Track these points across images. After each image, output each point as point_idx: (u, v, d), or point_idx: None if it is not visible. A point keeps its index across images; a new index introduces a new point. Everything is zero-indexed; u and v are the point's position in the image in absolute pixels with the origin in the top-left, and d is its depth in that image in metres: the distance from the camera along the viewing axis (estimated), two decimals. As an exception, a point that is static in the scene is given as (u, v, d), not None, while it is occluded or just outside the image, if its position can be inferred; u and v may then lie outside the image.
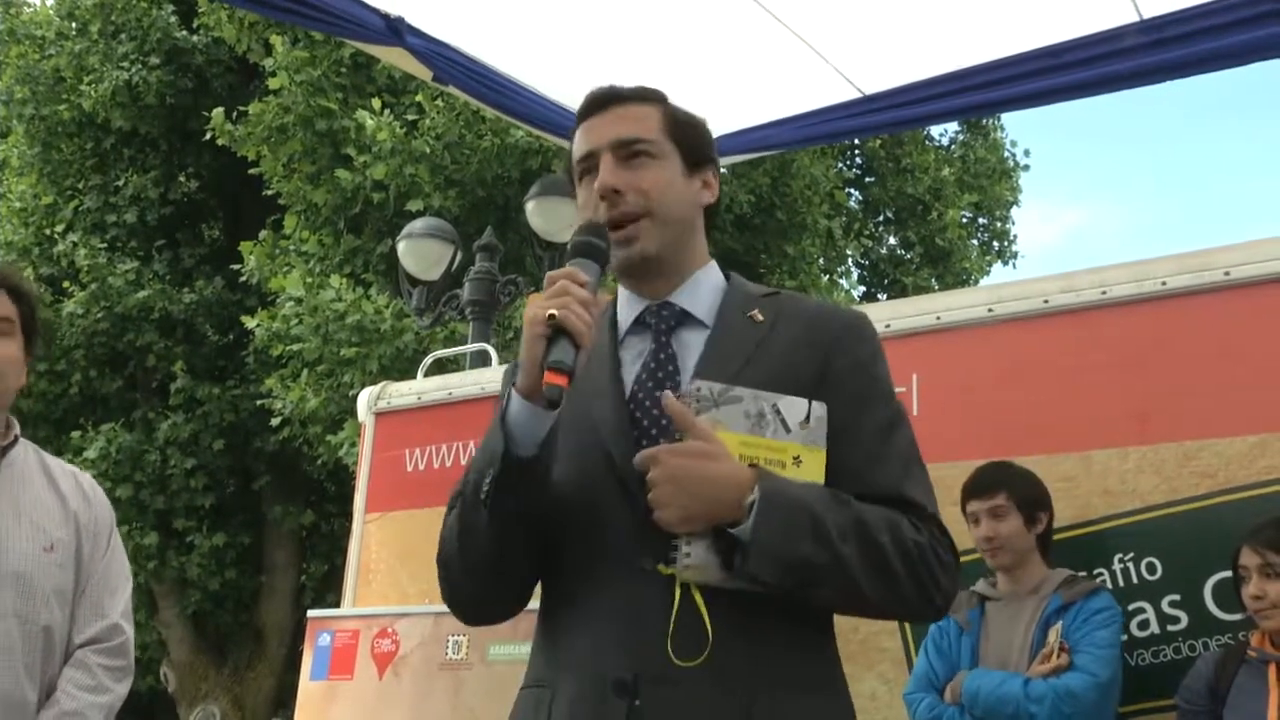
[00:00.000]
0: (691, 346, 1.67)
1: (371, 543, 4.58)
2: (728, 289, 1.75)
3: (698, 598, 1.51)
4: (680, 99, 4.18)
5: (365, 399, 4.76)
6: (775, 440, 1.54)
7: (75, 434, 12.77)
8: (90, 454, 12.37)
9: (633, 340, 1.69)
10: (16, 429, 2.40)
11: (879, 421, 1.65)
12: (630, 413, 1.62)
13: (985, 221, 16.34)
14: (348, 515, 4.81)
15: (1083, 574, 3.14)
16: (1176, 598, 3.06)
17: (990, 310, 3.54)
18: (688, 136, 1.77)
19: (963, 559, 3.32)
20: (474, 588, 1.63)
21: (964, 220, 15.57)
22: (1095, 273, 3.42)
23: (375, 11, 3.78)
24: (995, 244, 16.48)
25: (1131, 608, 3.11)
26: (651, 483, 1.49)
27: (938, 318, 3.62)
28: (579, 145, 1.74)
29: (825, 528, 1.49)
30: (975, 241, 16.01)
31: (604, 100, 1.76)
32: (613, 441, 1.59)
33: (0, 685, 2.17)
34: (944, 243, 14.60)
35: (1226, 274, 3.20)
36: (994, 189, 15.68)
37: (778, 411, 1.55)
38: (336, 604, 4.84)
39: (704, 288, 1.74)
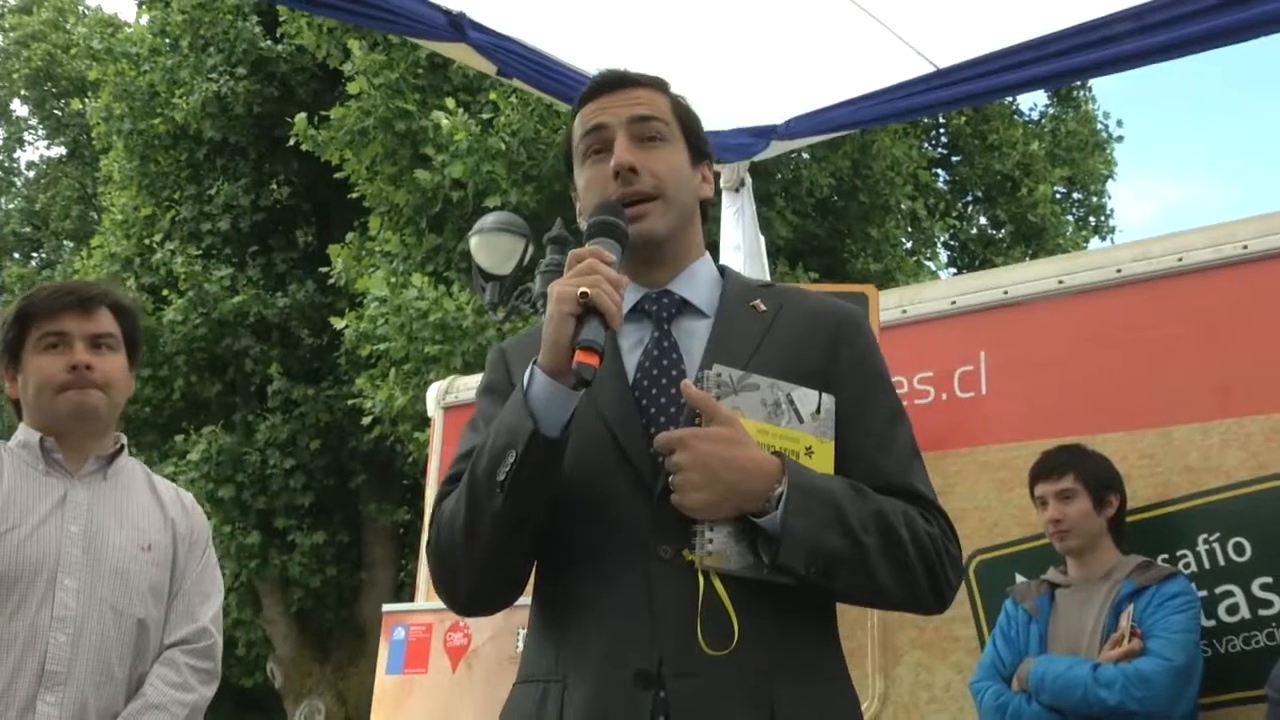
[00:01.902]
0: (694, 335, 1.64)
1: (443, 538, 4.59)
2: (725, 280, 1.73)
3: (719, 586, 1.47)
4: (750, 82, 4.10)
5: (434, 393, 4.78)
6: (790, 430, 1.52)
7: (179, 438, 13.13)
8: (193, 456, 12.73)
9: (629, 328, 1.64)
10: (123, 441, 2.51)
11: (886, 412, 1.65)
12: (636, 400, 1.57)
13: (1079, 196, 15.86)
14: (432, 512, 4.82)
15: (1163, 557, 2.99)
16: (1269, 580, 2.90)
17: (1060, 282, 3.40)
18: (693, 127, 1.75)
19: (1030, 544, 3.25)
20: (475, 578, 1.56)
21: (1057, 196, 15.12)
22: (1171, 239, 3.26)
23: (437, 8, 3.78)
24: (1091, 219, 15.99)
25: (1219, 591, 2.95)
26: (676, 467, 1.45)
27: (1005, 291, 3.49)
28: (589, 119, 1.69)
29: (850, 519, 1.48)
30: (1070, 217, 15.54)
31: (616, 81, 1.72)
32: (621, 430, 1.54)
33: (92, 666, 2.27)
34: (1036, 219, 14.19)
35: (1312, 235, 3.02)
36: (1086, 162, 15.18)
37: (791, 401, 1.53)
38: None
39: (701, 278, 1.71)
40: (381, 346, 10.43)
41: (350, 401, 11.69)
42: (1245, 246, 3.11)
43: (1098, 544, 2.93)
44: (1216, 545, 3.00)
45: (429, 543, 1.61)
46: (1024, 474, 3.14)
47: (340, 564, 13.60)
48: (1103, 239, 16.01)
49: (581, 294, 1.43)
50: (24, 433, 2.42)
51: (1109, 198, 16.17)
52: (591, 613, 1.51)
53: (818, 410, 1.54)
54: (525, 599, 1.65)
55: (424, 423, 10.44)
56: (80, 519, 2.35)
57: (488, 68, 4.07)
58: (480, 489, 1.49)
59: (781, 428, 1.51)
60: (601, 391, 1.54)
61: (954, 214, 14.72)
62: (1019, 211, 14.35)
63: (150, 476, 2.56)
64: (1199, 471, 3.06)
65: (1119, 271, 3.30)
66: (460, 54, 3.99)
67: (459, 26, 3.85)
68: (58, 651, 2.23)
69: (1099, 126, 15.61)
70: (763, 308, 1.66)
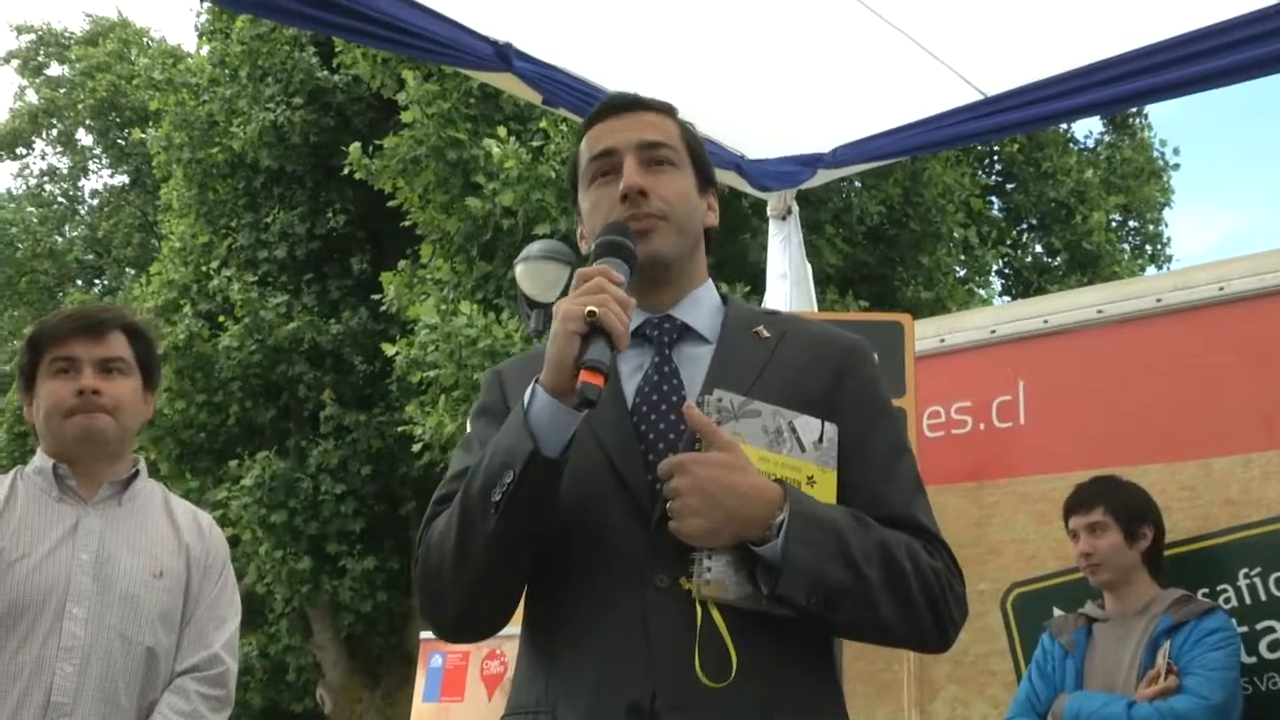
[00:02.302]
0: (695, 361, 1.62)
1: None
2: (728, 307, 1.71)
3: (717, 616, 1.44)
4: (797, 110, 4.09)
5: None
6: (791, 458, 1.50)
7: (233, 463, 13.30)
8: (246, 481, 12.88)
9: (629, 353, 1.61)
10: (140, 465, 2.52)
11: (890, 443, 1.62)
12: (634, 425, 1.55)
13: (1135, 224, 15.65)
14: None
15: (1203, 591, 2.93)
16: (1310, 616, 2.83)
17: (1100, 311, 3.37)
18: (700, 154, 1.74)
19: (1067, 577, 3.20)
20: (464, 603, 1.53)
21: (1113, 223, 14.93)
22: (1212, 268, 3.22)
23: (483, 39, 3.83)
24: (1147, 247, 15.76)
25: (1260, 626, 2.89)
26: (675, 492, 1.43)
27: (1045, 320, 3.46)
28: (596, 142, 1.68)
29: (852, 550, 1.45)
30: (1126, 245, 15.33)
31: (624, 105, 1.72)
32: (619, 455, 1.52)
33: (99, 697, 2.26)
34: (1091, 247, 14.01)
35: (1357, 263, 2.96)
36: (1142, 190, 14.98)
37: (794, 429, 1.50)
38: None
39: (704, 304, 1.69)
40: (431, 373, 10.52)
41: (401, 428, 11.78)
42: (1288, 275, 3.06)
43: (1132, 577, 2.88)
44: (1258, 580, 2.93)
45: (416, 564, 1.58)
46: (1062, 506, 3.09)
47: (390, 590, 13.65)
48: (1159, 267, 15.79)
49: (589, 313, 1.40)
50: (39, 459, 2.43)
51: (1165, 226, 15.94)
52: (584, 642, 1.49)
53: (820, 439, 1.51)
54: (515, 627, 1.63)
55: (472, 449, 10.50)
56: (92, 547, 2.34)
57: (534, 97, 4.11)
58: (474, 509, 1.46)
59: (783, 456, 1.48)
60: (600, 416, 1.51)
61: (1008, 241, 14.58)
62: (1074, 239, 14.18)
63: (168, 499, 2.55)
64: (1240, 504, 3.00)
65: (1159, 301, 3.26)
66: (507, 84, 4.03)
67: (505, 57, 3.89)
68: (64, 683, 2.22)
69: (1155, 154, 15.41)
70: (765, 334, 1.64)
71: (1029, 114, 4.38)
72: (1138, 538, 2.87)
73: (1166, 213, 15.79)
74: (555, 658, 1.51)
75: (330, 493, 13.01)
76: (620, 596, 1.47)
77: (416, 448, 11.23)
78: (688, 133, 1.73)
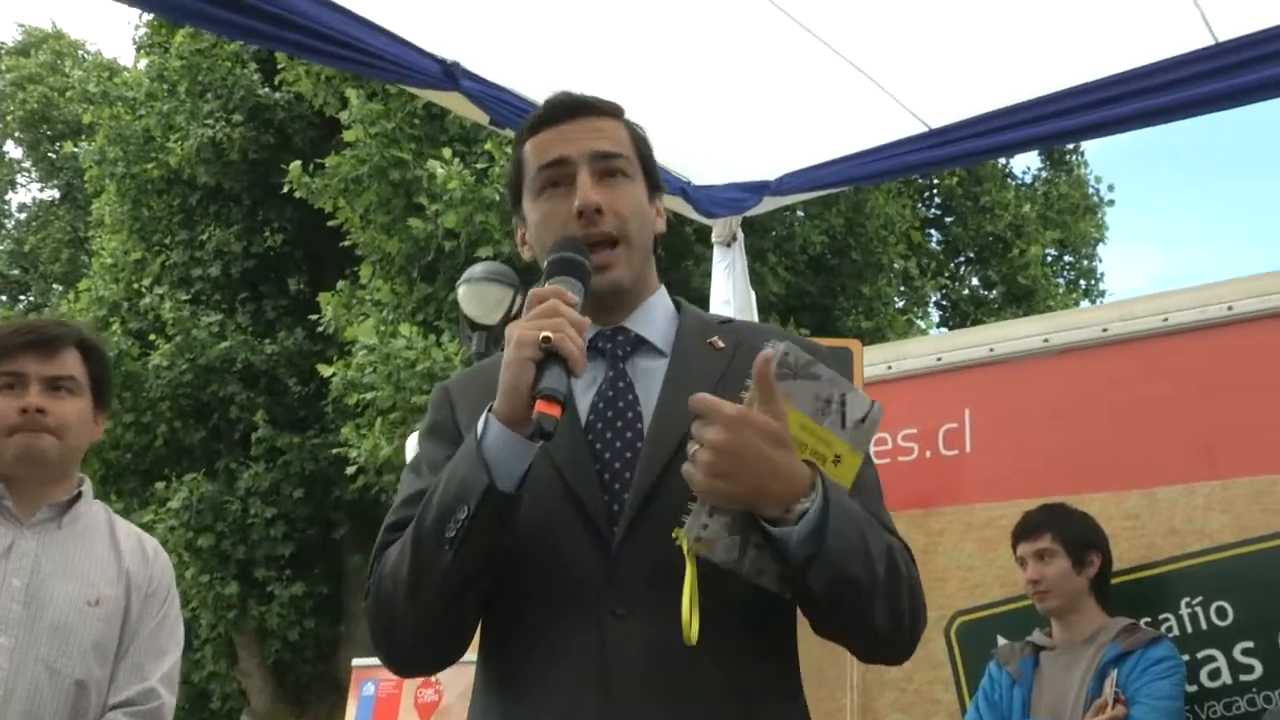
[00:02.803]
0: (650, 374, 1.55)
1: (418, 589, 4.51)
2: (681, 316, 1.65)
3: (691, 573, 1.35)
4: (744, 138, 4.09)
5: (414, 442, 4.71)
6: (829, 432, 1.40)
7: (160, 484, 13.00)
8: (173, 504, 12.60)
9: None
10: (84, 486, 2.40)
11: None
12: (589, 444, 1.48)
13: (1070, 259, 15.94)
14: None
15: (1145, 620, 2.93)
16: (1250, 645, 2.85)
17: (1046, 341, 3.38)
18: (650, 159, 1.67)
19: (1012, 605, 3.19)
20: (416, 636, 1.45)
21: (1048, 258, 15.20)
22: (1155, 299, 3.25)
23: (431, 57, 3.78)
24: (1081, 282, 16.06)
25: (1200, 655, 2.90)
26: (711, 445, 1.31)
27: (991, 349, 3.46)
28: (546, 149, 1.58)
29: (871, 549, 1.38)
30: (1061, 280, 15.61)
31: (575, 107, 1.62)
32: (573, 474, 1.46)
33: None
34: (1027, 280, 14.25)
35: (1297, 297, 3.00)
36: (1078, 225, 15.28)
37: (843, 403, 1.40)
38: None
39: (657, 314, 1.62)
40: (368, 395, 10.38)
41: (335, 451, 11.60)
42: (1230, 308, 3.10)
43: (1080, 605, 2.87)
44: (1199, 609, 2.95)
45: (367, 595, 1.50)
46: (1008, 533, 3.09)
47: (319, 616, 13.40)
48: (1092, 302, 16.06)
49: (544, 338, 1.33)
50: None
51: (1099, 261, 16.27)
52: (540, 674, 1.42)
53: (863, 419, 1.42)
54: (472, 655, 1.57)
55: (409, 473, 10.37)
56: (24, 572, 2.22)
57: (481, 117, 4.06)
58: (427, 543, 1.38)
59: (823, 428, 1.40)
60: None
61: (946, 274, 14.77)
62: (1010, 273, 14.41)
63: (113, 523, 2.43)
64: (1183, 534, 3.02)
65: (1104, 331, 3.28)
66: (454, 103, 3.97)
67: (452, 76, 3.84)
68: None
69: (1090, 190, 15.73)
70: (720, 345, 1.58)
71: (973, 146, 4.42)
72: (1085, 565, 2.87)
73: (1101, 249, 16.11)
74: (512, 692, 1.45)
75: (260, 516, 12.77)
76: (577, 627, 1.41)
77: (351, 471, 11.07)
78: (638, 137, 1.66)
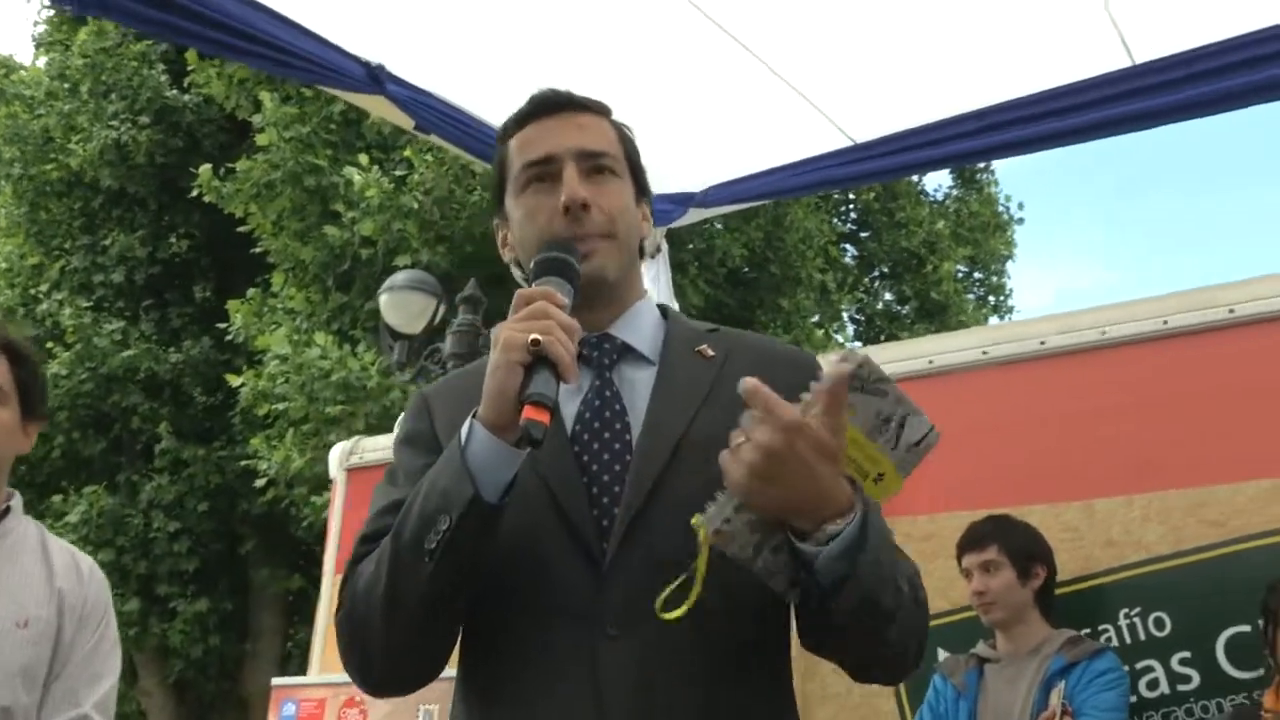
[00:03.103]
0: (637, 383, 1.49)
1: (341, 605, 4.37)
2: (668, 323, 1.59)
3: (702, 562, 1.29)
4: (669, 149, 4.08)
5: (337, 454, 4.58)
6: (880, 451, 1.35)
7: (57, 498, 12.54)
8: (72, 518, 12.15)
9: None
10: (14, 501, 2.25)
11: None
12: (576, 455, 1.43)
13: (981, 276, 16.26)
14: (331, 578, 4.62)
15: (1085, 631, 2.95)
16: (1187, 655, 2.87)
17: (984, 353, 3.38)
18: (636, 160, 1.63)
19: (952, 617, 3.19)
20: (394, 654, 1.38)
21: (959, 274, 15.48)
22: (1093, 313, 3.27)
23: (356, 59, 3.69)
24: (991, 298, 16.39)
25: (1139, 666, 2.91)
26: (758, 445, 1.24)
27: (930, 361, 3.46)
28: (531, 145, 1.54)
29: (898, 574, 1.34)
30: (971, 296, 15.91)
31: (560, 103, 1.58)
32: (560, 488, 1.39)
33: None
34: (939, 296, 14.49)
35: (1231, 311, 3.05)
36: (988, 243, 15.61)
37: (902, 424, 1.35)
38: (325, 671, 4.62)
39: (644, 320, 1.57)
40: (280, 406, 10.13)
41: (244, 463, 11.30)
42: (1165, 322, 3.13)
43: (1025, 617, 2.88)
44: (1138, 620, 2.97)
45: (340, 611, 1.42)
46: (948, 544, 3.08)
47: (224, 633, 13.01)
48: (1001, 318, 16.41)
49: (533, 341, 1.27)
50: None
51: (1009, 278, 16.63)
52: (529, 693, 1.35)
53: (918, 443, 1.36)
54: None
55: (322, 486, 10.13)
56: None
57: (405, 122, 3.97)
58: (405, 555, 1.32)
59: (876, 445, 1.34)
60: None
61: (861, 289, 14.96)
62: (923, 288, 14.64)
63: (45, 539, 2.28)
64: (1121, 545, 3.03)
65: (1042, 344, 3.29)
66: (378, 107, 3.88)
67: (377, 79, 3.76)
68: None
69: (1000, 208, 16.07)
70: (710, 354, 1.52)
71: (898, 161, 4.45)
72: (1031, 577, 2.88)
73: (1010, 265, 16.46)
74: (500, 710, 1.38)
75: (163, 530, 12.39)
76: (566, 647, 1.34)
77: (260, 483, 10.80)
78: (624, 137, 1.62)
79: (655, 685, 1.32)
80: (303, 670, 12.76)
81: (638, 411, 1.46)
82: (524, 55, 3.89)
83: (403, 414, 1.60)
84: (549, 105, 1.57)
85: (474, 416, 1.32)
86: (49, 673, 2.15)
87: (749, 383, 1.27)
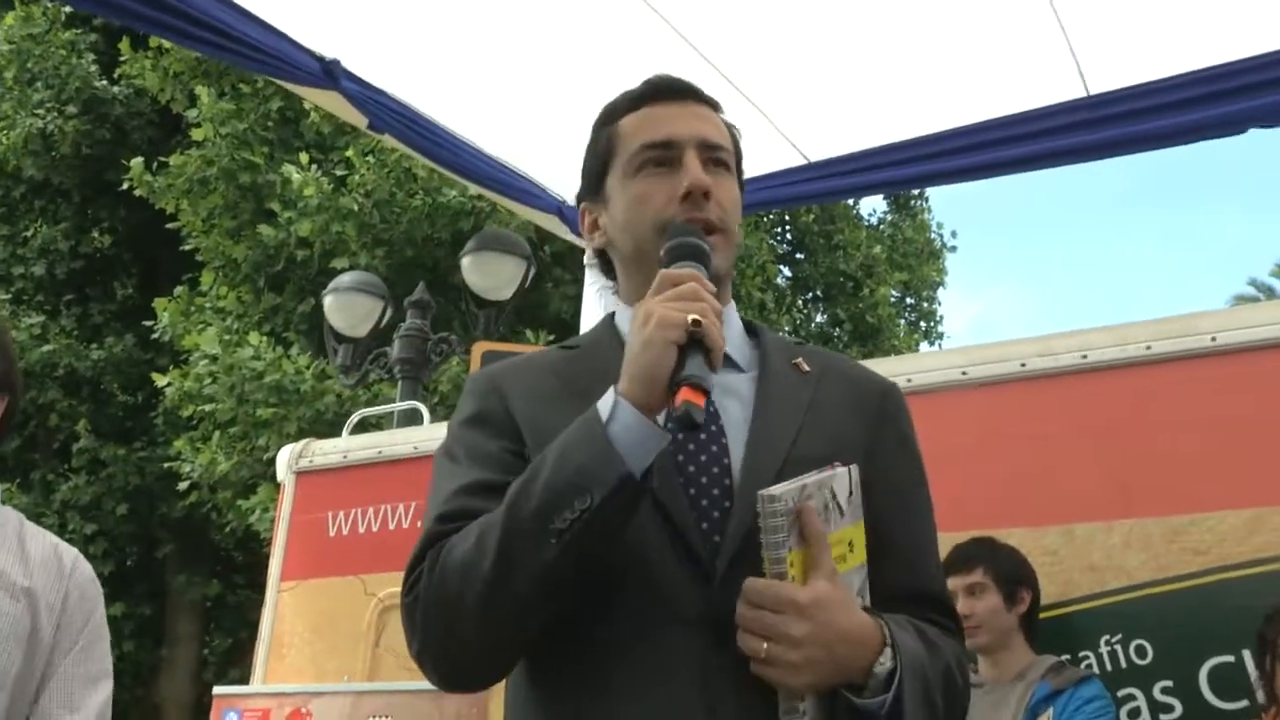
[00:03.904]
0: (729, 391, 1.43)
1: (286, 613, 4.22)
2: (763, 333, 1.55)
3: None
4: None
5: (285, 457, 4.43)
6: (837, 532, 1.32)
7: (-34, 495, 12.10)
8: (-18, 516, 11.68)
9: None
10: None
11: (926, 508, 1.52)
12: (673, 455, 1.34)
13: (913, 301, 16.44)
14: (256, 586, 4.48)
15: (1065, 657, 2.92)
16: (1169, 684, 2.85)
17: (964, 373, 3.36)
18: (741, 162, 1.58)
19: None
20: (483, 642, 1.28)
21: (893, 299, 15.64)
22: (1075, 336, 3.26)
23: (309, 53, 3.58)
24: (922, 323, 16.58)
25: (1121, 694, 2.89)
26: (794, 640, 1.22)
27: (909, 380, 3.41)
28: (653, 127, 1.48)
29: (933, 691, 1.31)
30: (903, 321, 16.08)
31: (682, 91, 1.53)
32: (663, 493, 1.31)
33: None
34: (874, 320, 14.62)
35: (1213, 339, 3.05)
36: (922, 269, 15.79)
37: (834, 495, 1.32)
38: (241, 680, 4.46)
39: (734, 326, 1.52)
40: (207, 407, 9.86)
41: (166, 465, 10.98)
42: (1149, 347, 3.13)
43: (1010, 642, 2.84)
44: (1119, 647, 2.94)
45: (415, 591, 1.31)
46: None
47: (140, 639, 12.67)
48: (931, 344, 16.62)
49: (693, 322, 1.21)
50: None
51: (939, 304, 16.84)
52: (636, 696, 1.27)
53: (850, 492, 1.35)
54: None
55: (247, 490, 9.87)
56: None
57: (359, 120, 3.87)
58: (524, 535, 1.23)
59: (832, 532, 1.30)
60: None
61: (794, 309, 15.03)
62: (858, 311, 14.75)
63: (22, 530, 2.11)
64: (1102, 571, 3.01)
65: (1023, 365, 3.28)
66: (330, 103, 3.78)
67: (332, 75, 3.66)
68: None
69: (933, 235, 16.27)
70: (806, 368, 1.48)
71: (852, 182, 4.47)
72: (1016, 601, 2.84)
73: (940, 292, 16.67)
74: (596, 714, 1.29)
75: (79, 532, 12.03)
76: (677, 651, 1.27)
77: (183, 486, 10.51)
78: (734, 136, 1.57)
79: (765, 697, 1.25)
80: (219, 679, 12.44)
81: (731, 417, 1.41)
82: (480, 58, 3.81)
83: (465, 394, 1.49)
84: (670, 91, 1.52)
85: (617, 393, 1.25)
86: (36, 680, 1.98)
87: (752, 585, 1.25)
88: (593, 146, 1.57)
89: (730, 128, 1.56)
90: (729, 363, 1.45)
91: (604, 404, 1.25)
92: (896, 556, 1.42)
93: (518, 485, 1.26)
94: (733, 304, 1.55)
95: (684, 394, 1.19)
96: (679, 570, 1.30)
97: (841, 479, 1.33)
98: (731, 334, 1.48)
